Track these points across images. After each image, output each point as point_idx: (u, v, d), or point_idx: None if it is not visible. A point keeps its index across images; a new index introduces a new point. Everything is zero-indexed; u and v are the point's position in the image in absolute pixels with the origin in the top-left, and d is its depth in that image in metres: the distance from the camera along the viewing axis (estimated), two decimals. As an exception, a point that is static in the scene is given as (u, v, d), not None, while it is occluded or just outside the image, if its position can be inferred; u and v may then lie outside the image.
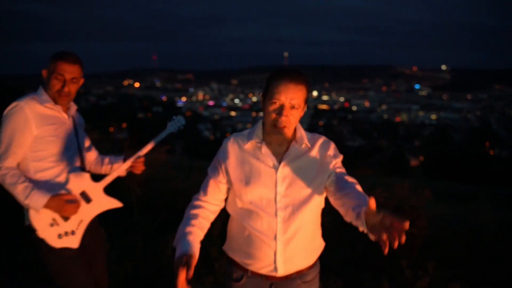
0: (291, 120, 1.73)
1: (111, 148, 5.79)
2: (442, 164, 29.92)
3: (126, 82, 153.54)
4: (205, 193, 1.87)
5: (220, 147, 1.90)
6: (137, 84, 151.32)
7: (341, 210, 1.71)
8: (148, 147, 2.49)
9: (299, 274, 1.87)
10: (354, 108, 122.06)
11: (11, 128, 2.21)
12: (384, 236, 1.35)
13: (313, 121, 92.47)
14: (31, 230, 2.24)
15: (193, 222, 1.77)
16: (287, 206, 1.77)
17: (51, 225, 2.23)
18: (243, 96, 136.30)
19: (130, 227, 4.33)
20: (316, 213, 1.86)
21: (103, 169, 2.62)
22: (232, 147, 1.85)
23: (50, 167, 2.29)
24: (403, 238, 1.30)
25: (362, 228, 1.53)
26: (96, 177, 2.44)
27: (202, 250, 3.58)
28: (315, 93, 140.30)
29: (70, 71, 2.32)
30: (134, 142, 5.31)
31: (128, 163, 2.50)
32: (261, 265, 1.82)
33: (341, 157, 1.85)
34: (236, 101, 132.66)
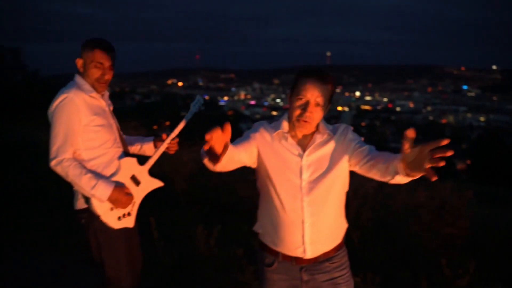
0: (315, 117, 1.84)
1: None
2: (491, 168, 28.76)
3: (170, 81, 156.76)
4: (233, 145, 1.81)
5: (251, 128, 2.00)
6: (180, 83, 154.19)
7: (375, 172, 1.75)
8: (179, 128, 2.59)
9: (327, 257, 1.95)
10: (398, 109, 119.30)
11: (65, 119, 2.27)
12: (428, 165, 1.39)
13: (356, 122, 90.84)
14: (90, 214, 2.37)
15: None
16: (312, 192, 1.86)
17: (111, 209, 2.38)
18: (284, 95, 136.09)
19: (177, 219, 4.55)
20: (340, 196, 1.95)
21: (131, 150, 2.70)
22: (263, 131, 1.95)
23: (102, 155, 2.37)
24: (448, 153, 1.35)
25: (404, 178, 1.56)
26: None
27: (245, 243, 3.75)
28: (357, 94, 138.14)
29: (108, 58, 2.38)
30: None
31: (165, 145, 2.59)
32: (291, 247, 1.91)
33: (361, 139, 1.93)
34: (278, 100, 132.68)
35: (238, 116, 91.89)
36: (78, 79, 2.39)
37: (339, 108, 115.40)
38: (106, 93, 2.52)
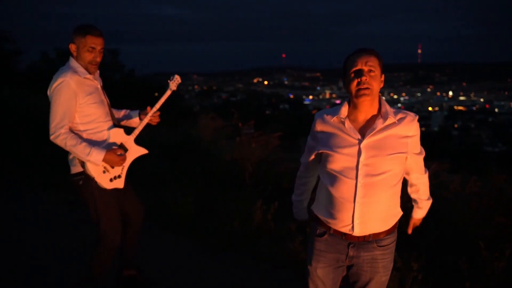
0: (373, 83, 1.92)
1: (231, 132, 6.80)
2: None
3: (255, 80, 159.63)
4: (306, 167, 2.28)
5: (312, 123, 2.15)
6: (266, 82, 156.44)
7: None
8: (160, 103, 3.00)
9: (375, 238, 2.04)
10: (496, 110, 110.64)
11: (63, 100, 2.63)
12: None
13: (448, 123, 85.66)
14: (87, 177, 2.78)
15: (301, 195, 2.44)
16: (367, 174, 1.94)
17: (104, 172, 2.79)
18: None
19: (241, 197, 5.09)
20: (395, 183, 2.00)
21: (121, 122, 3.11)
22: (320, 120, 2.08)
23: (96, 127, 2.78)
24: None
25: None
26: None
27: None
28: (450, 93, 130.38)
29: (99, 43, 2.71)
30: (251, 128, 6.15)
31: (148, 118, 3.00)
32: (341, 224, 2.03)
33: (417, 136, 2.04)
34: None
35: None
36: (73, 62, 2.74)
37: (430, 109, 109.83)
38: (97, 72, 2.88)
